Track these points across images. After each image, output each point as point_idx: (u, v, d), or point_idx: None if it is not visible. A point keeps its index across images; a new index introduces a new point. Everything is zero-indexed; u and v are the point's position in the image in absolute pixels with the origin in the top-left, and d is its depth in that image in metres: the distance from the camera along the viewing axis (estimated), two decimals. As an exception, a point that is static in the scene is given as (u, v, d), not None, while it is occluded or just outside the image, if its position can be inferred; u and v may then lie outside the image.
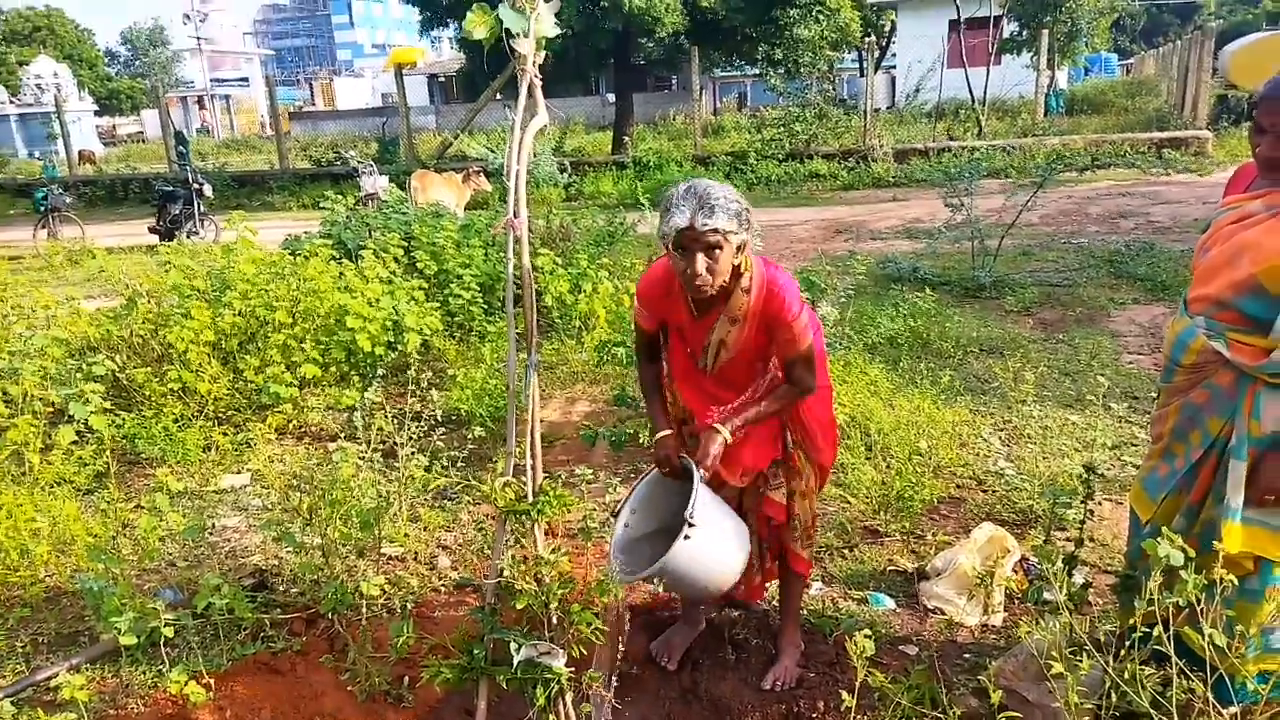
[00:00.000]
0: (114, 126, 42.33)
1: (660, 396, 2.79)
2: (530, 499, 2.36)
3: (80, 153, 24.83)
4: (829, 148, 16.48)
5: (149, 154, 29.90)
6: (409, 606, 2.93)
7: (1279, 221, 2.11)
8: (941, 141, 16.85)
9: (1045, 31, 18.72)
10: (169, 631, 2.79)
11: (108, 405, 4.28)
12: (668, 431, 2.67)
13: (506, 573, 2.34)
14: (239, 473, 4.59)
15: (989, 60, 19.77)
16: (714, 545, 2.49)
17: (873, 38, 19.81)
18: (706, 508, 2.47)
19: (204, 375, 4.74)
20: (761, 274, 2.52)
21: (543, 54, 2.57)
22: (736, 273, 2.46)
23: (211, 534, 3.97)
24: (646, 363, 2.80)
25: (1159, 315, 6.66)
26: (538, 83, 2.54)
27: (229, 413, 4.95)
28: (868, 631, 2.08)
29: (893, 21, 29.40)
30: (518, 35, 2.54)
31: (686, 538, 2.36)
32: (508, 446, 2.36)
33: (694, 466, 2.50)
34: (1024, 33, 20.99)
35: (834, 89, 18.54)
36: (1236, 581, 2.10)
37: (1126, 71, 35.50)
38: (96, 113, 37.15)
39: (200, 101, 48.39)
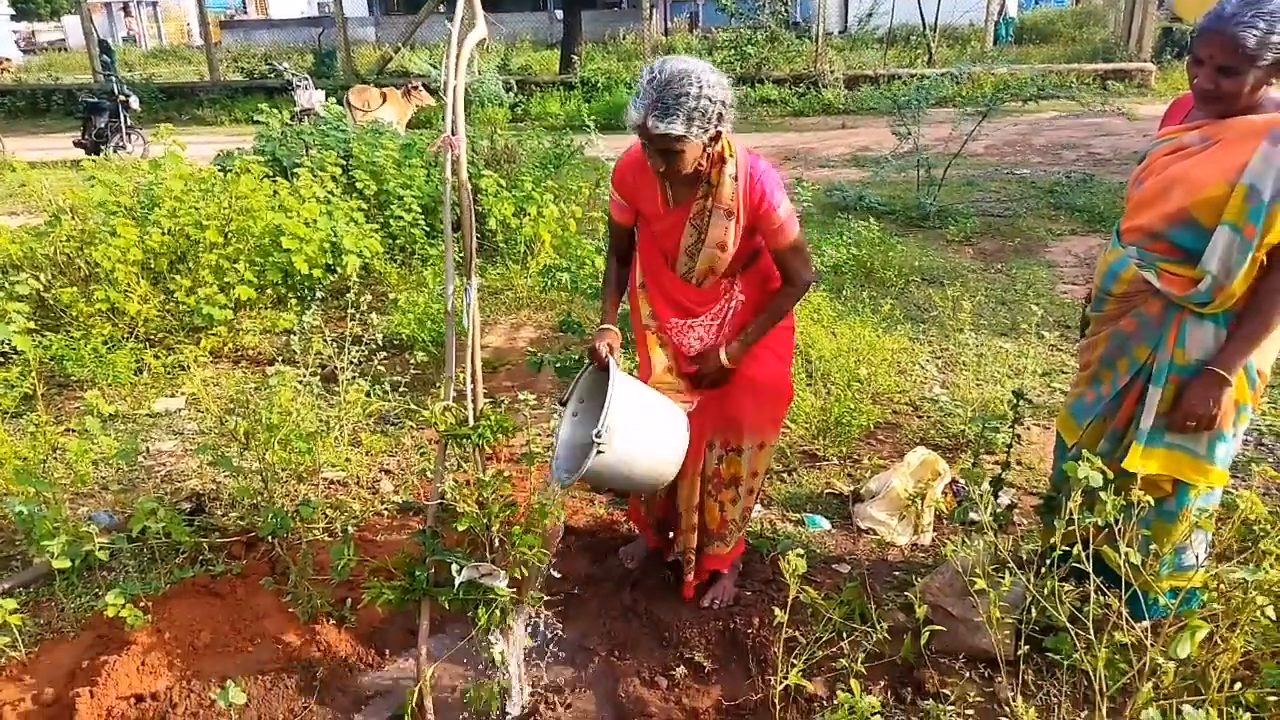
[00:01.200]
0: (33, 33, 39.89)
1: (617, 291, 2.68)
2: (471, 424, 2.35)
3: (-6, 60, 23.44)
4: (780, 72, 16.28)
5: (72, 64, 28.25)
6: (350, 530, 2.92)
7: (1212, 153, 2.15)
8: (891, 68, 16.75)
9: (998, -43, 18.53)
10: (104, 555, 2.76)
11: (32, 325, 4.13)
12: (609, 326, 2.58)
13: (448, 496, 2.34)
14: (173, 396, 4.49)
15: (941, -15, 19.55)
16: (642, 444, 2.39)
17: (826, -42, 19.41)
18: (629, 409, 2.34)
19: (133, 295, 4.58)
20: (746, 157, 2.39)
21: (482, -36, 2.47)
22: (720, 158, 2.33)
23: (146, 458, 3.90)
24: (615, 262, 2.69)
25: (1095, 246, 6.80)
26: (477, -6, 2.45)
27: (160, 334, 4.82)
28: (800, 551, 2.14)
29: (847, -58, 28.82)
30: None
31: (599, 452, 2.26)
32: (447, 371, 2.34)
33: (613, 366, 2.40)
34: (977, -43, 20.74)
35: (786, 11, 18.17)
36: (1153, 502, 2.20)
37: (1076, 1, 35.46)
38: (13, 17, 34.96)
39: (125, 8, 45.71)
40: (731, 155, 2.36)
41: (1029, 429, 3.87)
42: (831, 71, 15.80)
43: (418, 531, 2.38)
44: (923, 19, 18.76)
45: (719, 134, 2.25)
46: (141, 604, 2.74)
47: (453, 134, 2.40)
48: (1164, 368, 2.30)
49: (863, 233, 6.26)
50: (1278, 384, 4.12)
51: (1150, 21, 16.36)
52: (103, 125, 12.12)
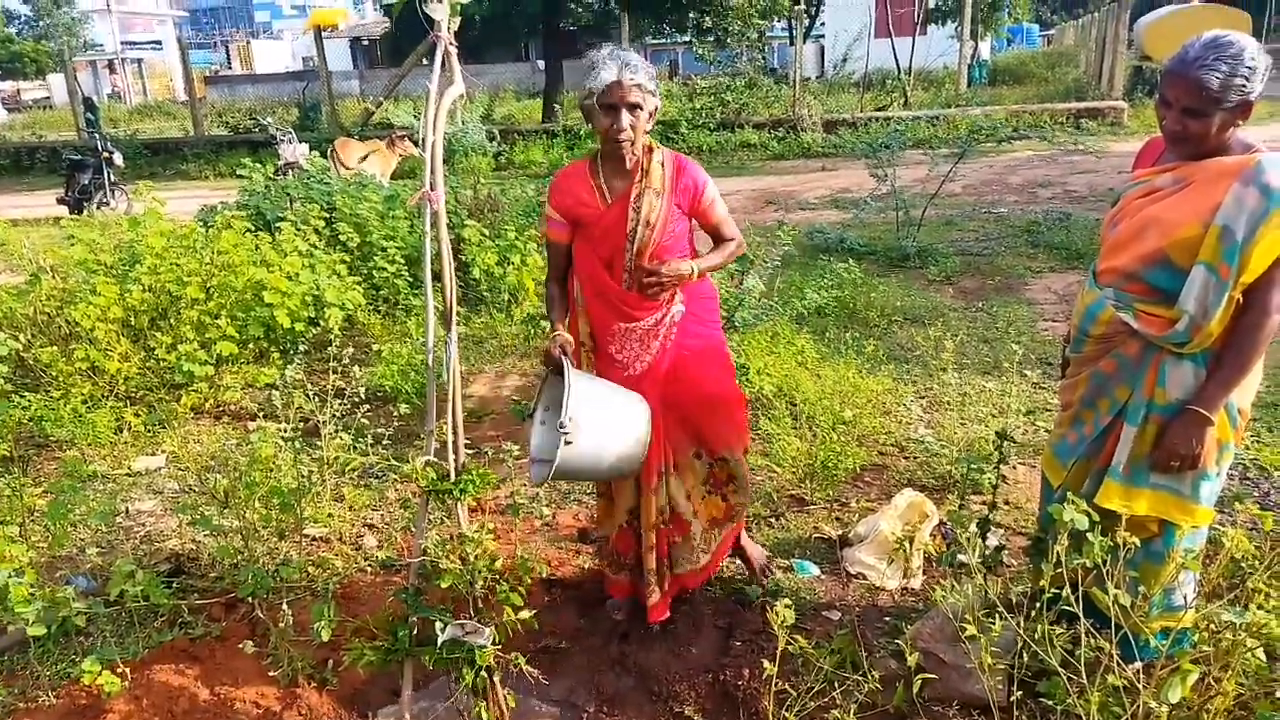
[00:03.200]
0: (18, 91, 40.14)
1: (562, 306, 2.81)
2: (453, 478, 2.33)
3: (-22, 119, 23.52)
4: (760, 117, 16.53)
5: (56, 121, 28.41)
6: (332, 588, 2.87)
7: (1185, 195, 2.17)
8: (869, 112, 17.03)
9: (969, 2, 18.99)
10: (81, 620, 2.70)
11: (10, 387, 4.09)
12: (561, 330, 2.70)
13: (430, 552, 2.31)
14: (153, 454, 4.44)
15: (914, 30, 20.00)
16: (607, 430, 2.49)
17: (801, 5, 19.83)
18: (588, 399, 2.46)
19: (113, 354, 4.55)
20: (668, 151, 2.69)
21: (458, 19, 2.50)
22: (649, 149, 2.63)
23: (126, 518, 3.85)
24: (556, 287, 2.82)
25: (1073, 283, 6.87)
26: (453, 49, 2.47)
27: (141, 392, 4.78)
28: (788, 601, 2.11)
29: (822, -10, 29.45)
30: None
31: (567, 443, 2.37)
32: (428, 425, 2.32)
33: (566, 364, 2.52)
34: (949, 3, 21.25)
35: (764, 58, 18.53)
36: (1140, 543, 2.19)
37: (1048, 42, 36.26)
38: (-1, 77, 35.22)
39: (111, 65, 46.11)
40: (658, 148, 2.67)
41: (1015, 468, 3.87)
42: (810, 116, 16.05)
43: (400, 589, 2.34)
44: (897, 63, 19.13)
45: (656, 110, 2.58)
46: (119, 670, 2.68)
47: (432, 188, 2.41)
48: (1140, 406, 2.31)
49: (844, 274, 6.30)
50: (1259, 418, 4.14)
51: (1120, 61, 16.73)
52: (86, 182, 12.14)
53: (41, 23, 56.44)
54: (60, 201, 12.20)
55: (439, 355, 2.32)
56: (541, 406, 2.70)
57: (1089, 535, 2.06)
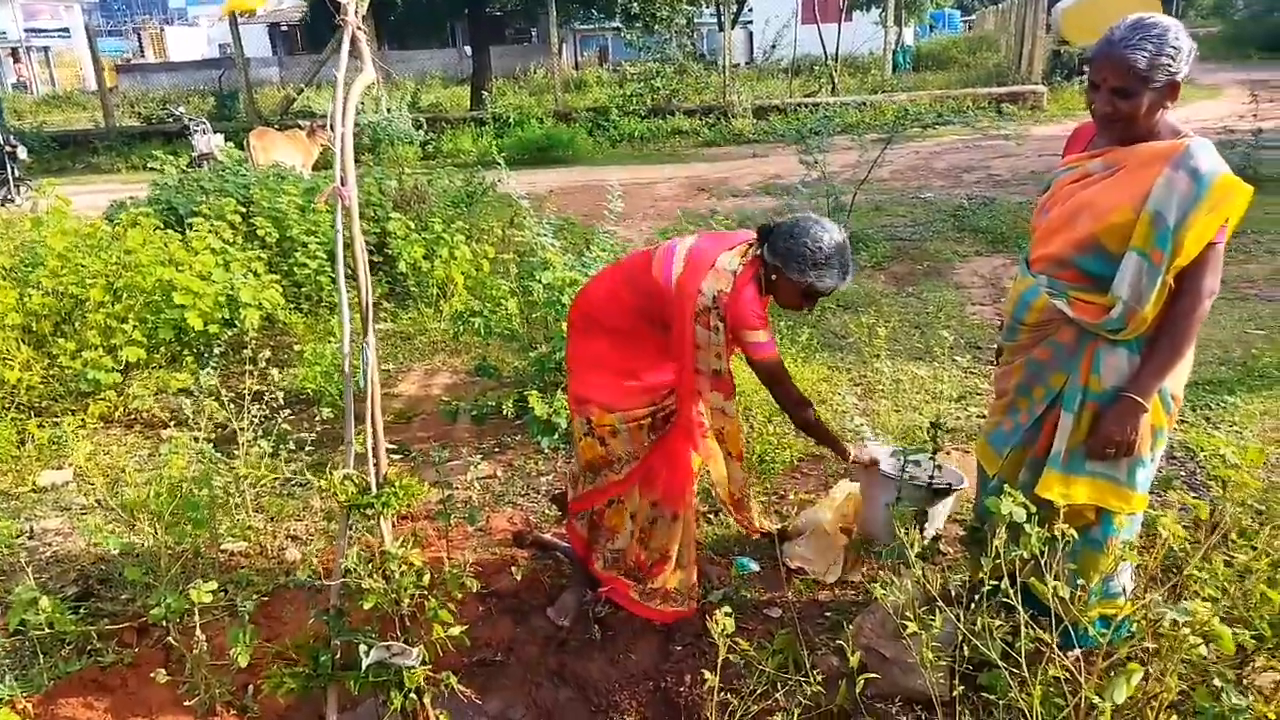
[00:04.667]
0: (-88, 81, 37.98)
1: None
2: (374, 491, 2.21)
3: None
4: (691, 104, 16.49)
5: (-46, 112, 26.95)
6: (249, 608, 2.71)
7: (1117, 180, 2.16)
8: (798, 98, 17.12)
9: (893, -12, 19.20)
10: (-26, 654, 2.51)
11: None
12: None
13: (353, 569, 2.19)
14: (60, 468, 4.19)
15: (840, 17, 20.14)
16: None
17: (729, -9, 19.82)
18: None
19: (13, 362, 4.28)
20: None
21: (366, 3, 2.36)
22: None
23: (30, 538, 3.62)
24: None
25: (999, 266, 6.97)
26: (362, 36, 2.34)
27: (45, 402, 4.51)
28: (729, 610, 2.05)
29: (749, -24, 29.51)
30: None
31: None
32: (346, 434, 2.19)
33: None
34: (873, -11, 21.48)
35: (693, 44, 18.46)
36: (1078, 534, 2.18)
37: (969, 28, 36.95)
38: (-112, 65, 33.23)
39: (14, 54, 43.91)
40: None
41: (949, 453, 3.87)
42: (740, 102, 16.07)
43: (321, 610, 2.21)
44: (824, 50, 19.26)
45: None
46: (20, 706, 2.50)
47: (343, 183, 2.27)
48: (1076, 393, 2.30)
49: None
50: (1185, 397, 4.23)
51: (1040, 46, 17.10)
52: (-13, 177, 11.51)
53: (-65, 9, 53.52)
54: (-41, 198, 11.55)
55: (356, 359, 2.19)
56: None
57: (1026, 527, 2.04)
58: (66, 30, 53.34)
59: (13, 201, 11.36)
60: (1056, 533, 2.01)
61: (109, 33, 57.52)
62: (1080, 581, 2.06)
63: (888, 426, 4.17)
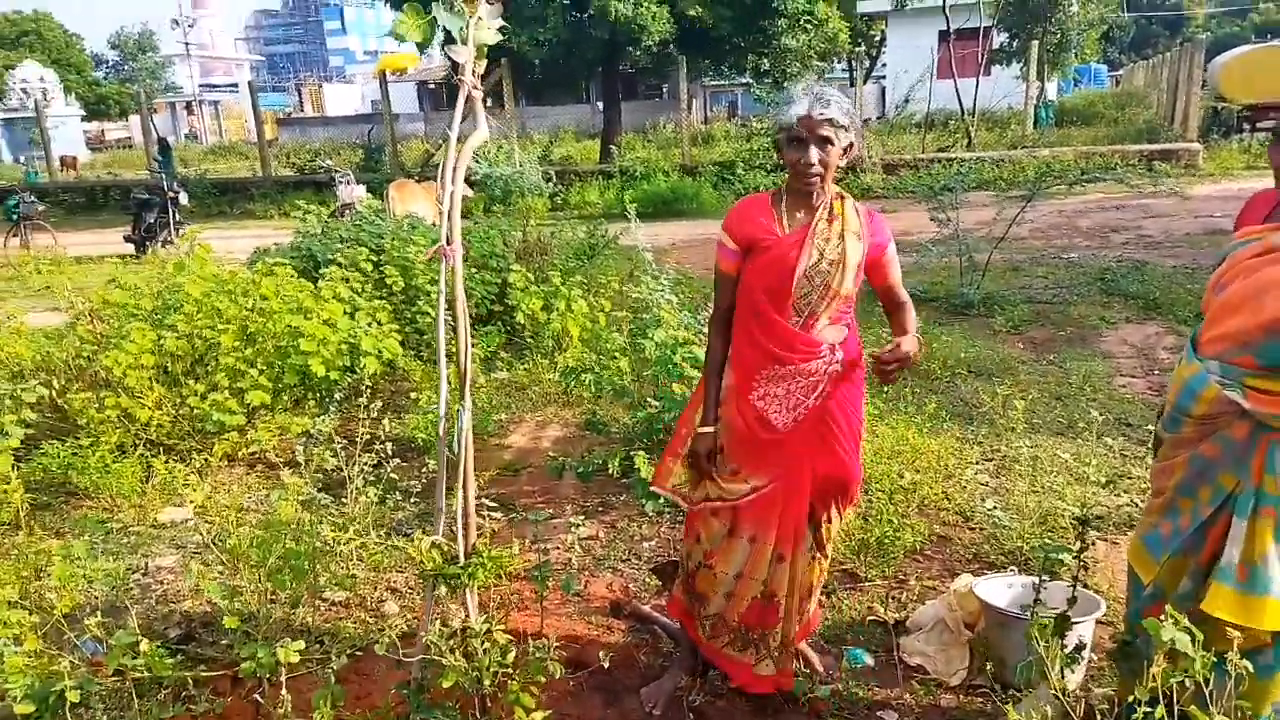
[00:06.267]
0: (103, 132, 41.93)
1: (718, 377, 2.63)
2: (461, 560, 2.11)
3: (62, 159, 24.50)
4: (817, 158, 16.30)
5: (134, 160, 29.45)
6: (339, 665, 2.65)
7: None
8: (931, 153, 16.68)
9: (1035, 42, 18.59)
10: (74, 695, 2.53)
11: (34, 431, 4.01)
12: (708, 430, 2.58)
13: (434, 645, 2.09)
14: (181, 505, 4.32)
15: (978, 71, 19.63)
16: None
17: (862, 48, 19.66)
18: None
19: (145, 401, 4.46)
20: (857, 203, 2.59)
21: (484, 62, 2.34)
22: (840, 196, 2.53)
23: (145, 575, 3.71)
24: (720, 341, 2.64)
25: (1152, 335, 6.45)
26: (477, 95, 2.30)
27: (172, 440, 4.68)
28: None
29: (882, 31, 29.26)
30: (456, 42, 2.31)
31: None
32: (437, 503, 2.11)
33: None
34: (1013, 44, 20.87)
35: (823, 99, 18.35)
36: (1248, 657, 1.87)
37: (1116, 83, 35.50)
38: (84, 118, 36.78)
39: (189, 107, 48.01)
40: (848, 197, 2.57)
41: (1094, 544, 3.50)
42: (869, 156, 15.77)
43: (402, 683, 2.12)
44: (960, 104, 18.76)
45: (850, 147, 2.46)
46: (113, 750, 2.50)
47: (448, 243, 2.23)
48: (1249, 497, 1.99)
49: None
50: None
51: (1194, 102, 16.15)
52: (151, 220, 12.42)
53: (127, 66, 59.19)
54: (127, 239, 12.50)
55: (450, 426, 2.12)
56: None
57: (1189, 651, 1.76)
58: (235, 86, 58.02)
59: (172, 243, 12.20)
60: (1227, 660, 1.73)
61: (273, 89, 62.23)
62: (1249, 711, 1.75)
63: (1023, 510, 3.83)
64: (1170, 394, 2.16)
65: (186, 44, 53.48)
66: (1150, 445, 2.44)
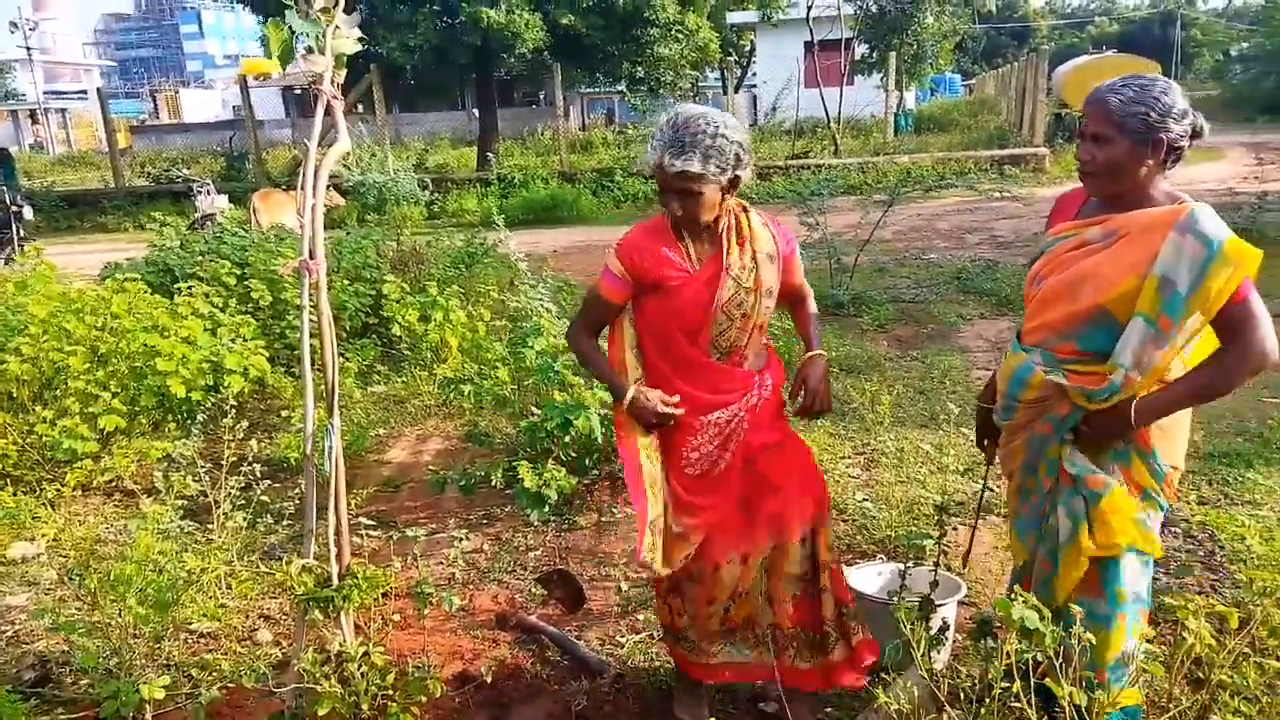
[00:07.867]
0: (-65, 143, 38.71)
1: (603, 358, 2.47)
2: (335, 583, 2.06)
3: (-118, 171, 22.45)
4: (693, 165, 16.59)
5: (-32, 172, 27.36)
6: (207, 700, 2.54)
7: (1121, 247, 2.05)
8: (800, 160, 17.24)
9: (893, 54, 19.47)
10: (-90, 752, 2.34)
11: None
12: (634, 387, 2.35)
13: (309, 668, 2.03)
14: (32, 539, 4.05)
15: (842, 81, 20.42)
16: None
17: (733, 57, 20.15)
18: None
19: (-12, 430, 4.16)
20: (757, 212, 2.42)
21: (343, 72, 2.29)
22: (743, 208, 2.35)
23: (-9, 616, 3.46)
24: (589, 337, 2.50)
25: (1004, 330, 6.85)
26: (337, 105, 2.26)
27: (20, 471, 4.37)
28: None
29: (752, 41, 30.06)
30: (315, 51, 2.26)
31: None
32: (307, 523, 2.06)
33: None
34: (874, 55, 21.80)
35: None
36: (1085, 610, 2.01)
37: (969, 91, 37.49)
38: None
39: (33, 115, 44.83)
40: (750, 207, 2.39)
41: (955, 529, 3.71)
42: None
43: (275, 714, 2.05)
44: (826, 112, 19.47)
45: (737, 179, 2.23)
46: (-44, 808, 2.32)
47: (310, 256, 2.18)
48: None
49: (775, 323, 6.16)
50: (1198, 470, 4.07)
51: (1041, 109, 17.25)
52: (-8, 237, 11.55)
53: (-41, 72, 54.90)
54: (-36, 258, 11.57)
55: (318, 445, 2.07)
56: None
57: (1039, 628, 1.89)
58: (84, 92, 54.57)
59: (14, 260, 11.36)
60: (1073, 636, 1.87)
61: (126, 95, 58.90)
62: (1099, 691, 1.90)
63: (891, 501, 4.01)
64: (1000, 383, 2.31)
65: (28, 48, 49.94)
66: (973, 415, 2.64)
